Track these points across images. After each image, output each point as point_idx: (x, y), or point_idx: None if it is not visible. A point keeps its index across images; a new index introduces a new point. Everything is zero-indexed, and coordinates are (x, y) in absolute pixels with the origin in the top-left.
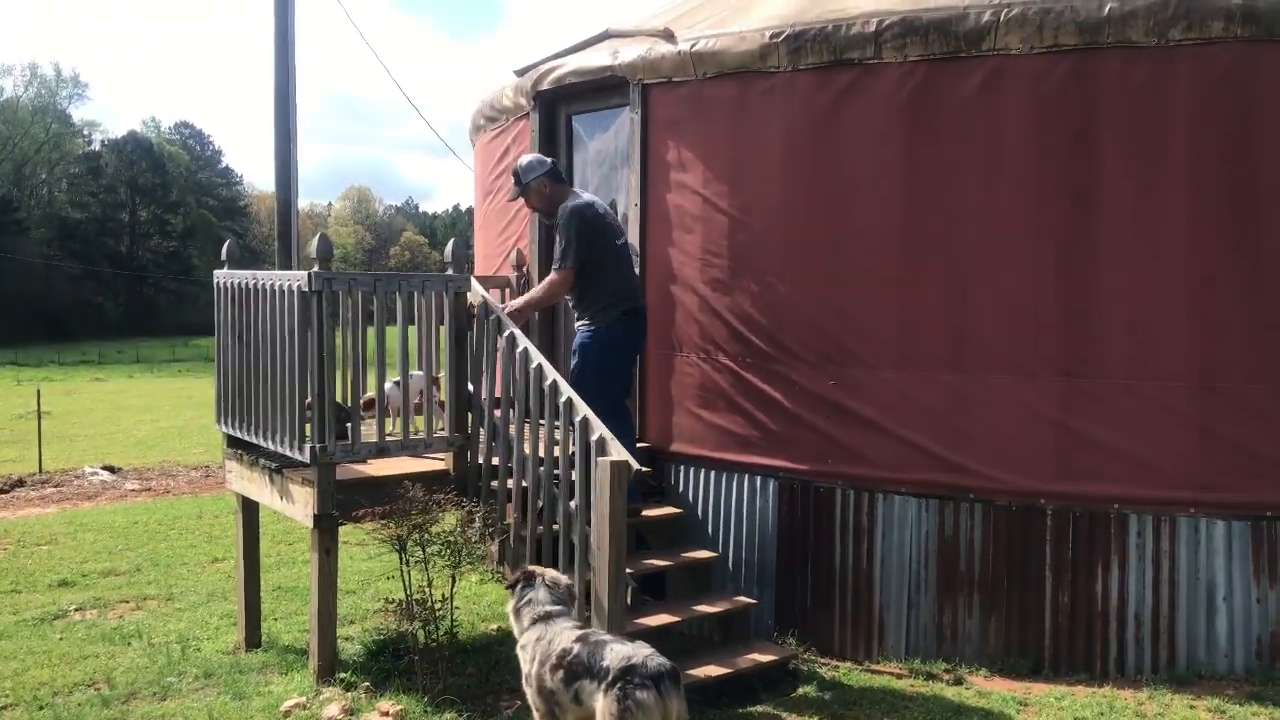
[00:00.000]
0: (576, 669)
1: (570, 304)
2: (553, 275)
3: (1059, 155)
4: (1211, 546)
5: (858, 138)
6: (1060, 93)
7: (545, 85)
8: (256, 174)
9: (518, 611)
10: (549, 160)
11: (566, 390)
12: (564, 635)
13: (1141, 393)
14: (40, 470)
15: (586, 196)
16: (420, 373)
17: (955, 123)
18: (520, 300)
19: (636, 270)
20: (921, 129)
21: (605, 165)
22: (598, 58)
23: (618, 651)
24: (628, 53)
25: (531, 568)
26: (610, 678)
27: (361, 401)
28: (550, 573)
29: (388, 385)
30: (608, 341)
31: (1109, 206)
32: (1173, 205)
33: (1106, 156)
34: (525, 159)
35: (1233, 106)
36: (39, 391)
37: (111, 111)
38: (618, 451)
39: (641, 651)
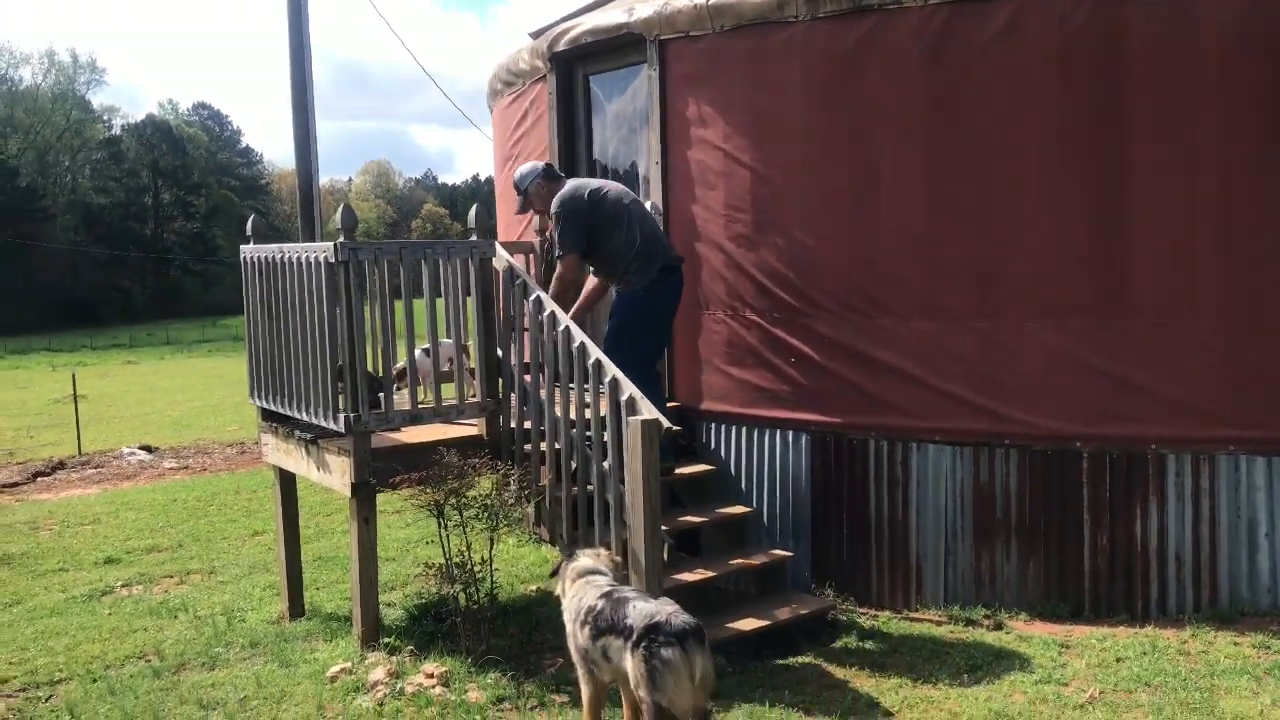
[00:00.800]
0: (601, 625)
1: (604, 278)
2: (557, 269)
3: (1085, 94)
4: (1252, 483)
5: (879, 85)
6: (1085, 27)
7: (561, 46)
8: (276, 152)
9: (561, 578)
10: (541, 163)
11: (595, 352)
12: (591, 593)
13: (1177, 331)
14: (80, 452)
15: (575, 182)
16: (449, 340)
17: (979, 65)
18: (553, 286)
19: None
20: (944, 73)
21: (624, 128)
22: (613, 16)
23: (641, 609)
24: (643, 9)
25: (575, 550)
26: (635, 636)
27: (394, 372)
28: (596, 550)
29: (417, 353)
30: (647, 306)
31: (1138, 141)
32: (1204, 138)
33: (1135, 92)
34: (520, 169)
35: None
36: (74, 376)
37: (128, 96)
38: (648, 410)
39: (665, 609)
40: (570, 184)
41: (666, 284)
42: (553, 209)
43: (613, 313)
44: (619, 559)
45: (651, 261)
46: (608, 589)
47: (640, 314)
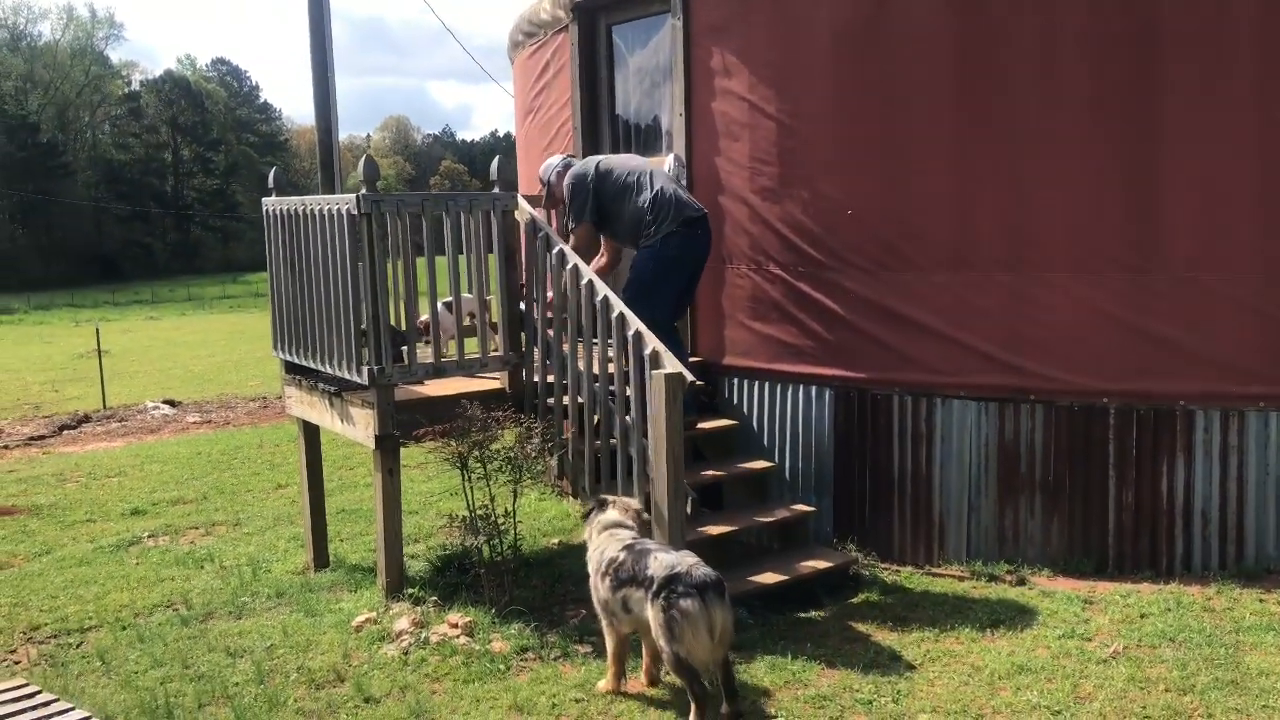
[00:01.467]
0: (622, 577)
1: (629, 245)
2: (569, 241)
3: (1118, 42)
4: None
5: (906, 33)
6: None
7: None
8: (294, 109)
9: (589, 526)
10: (560, 156)
11: (618, 305)
12: (613, 545)
13: (1207, 286)
14: (104, 406)
15: (586, 159)
16: (471, 295)
17: (1011, 12)
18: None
19: (683, 182)
20: (975, 21)
21: (646, 81)
22: None
23: (662, 560)
24: None
25: (606, 496)
26: (655, 587)
27: (419, 324)
28: (624, 500)
29: (439, 306)
30: (661, 256)
31: (1170, 91)
32: (1239, 90)
33: (1166, 41)
34: (545, 162)
35: None
36: (98, 331)
37: (147, 52)
38: (671, 364)
39: (686, 561)
40: (579, 163)
41: (684, 235)
42: (563, 186)
43: (632, 266)
44: (646, 515)
45: (665, 216)
46: (630, 541)
47: (656, 266)
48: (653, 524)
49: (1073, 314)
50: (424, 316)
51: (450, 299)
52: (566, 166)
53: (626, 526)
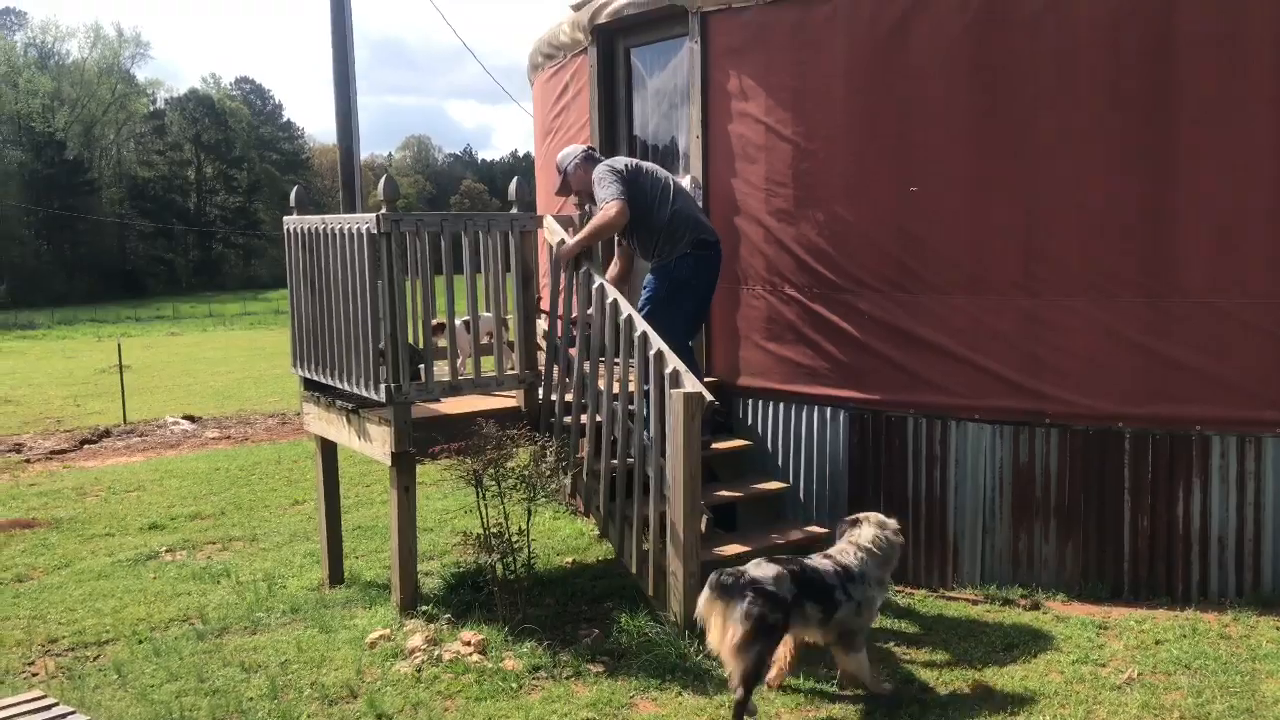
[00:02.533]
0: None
1: (639, 255)
2: (602, 211)
3: (1135, 67)
4: None
5: (923, 57)
6: (1133, 2)
7: (603, 19)
8: (317, 127)
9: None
10: (582, 146)
11: (641, 325)
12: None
13: (1223, 310)
14: (125, 421)
15: (615, 158)
16: (490, 314)
17: (1024, 38)
18: (575, 238)
19: (700, 205)
20: (990, 46)
21: (665, 103)
22: None
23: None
24: None
25: (858, 515)
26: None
27: (432, 324)
28: (875, 516)
29: (458, 323)
30: (674, 279)
31: (1188, 118)
32: (1255, 115)
33: (1183, 66)
34: (564, 150)
35: None
36: (119, 346)
37: (171, 71)
38: (691, 384)
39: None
40: (610, 159)
41: (698, 258)
42: (594, 174)
43: (645, 286)
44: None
45: (682, 235)
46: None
47: (670, 286)
48: (668, 542)
49: (1089, 338)
50: (439, 318)
51: (468, 318)
52: (589, 157)
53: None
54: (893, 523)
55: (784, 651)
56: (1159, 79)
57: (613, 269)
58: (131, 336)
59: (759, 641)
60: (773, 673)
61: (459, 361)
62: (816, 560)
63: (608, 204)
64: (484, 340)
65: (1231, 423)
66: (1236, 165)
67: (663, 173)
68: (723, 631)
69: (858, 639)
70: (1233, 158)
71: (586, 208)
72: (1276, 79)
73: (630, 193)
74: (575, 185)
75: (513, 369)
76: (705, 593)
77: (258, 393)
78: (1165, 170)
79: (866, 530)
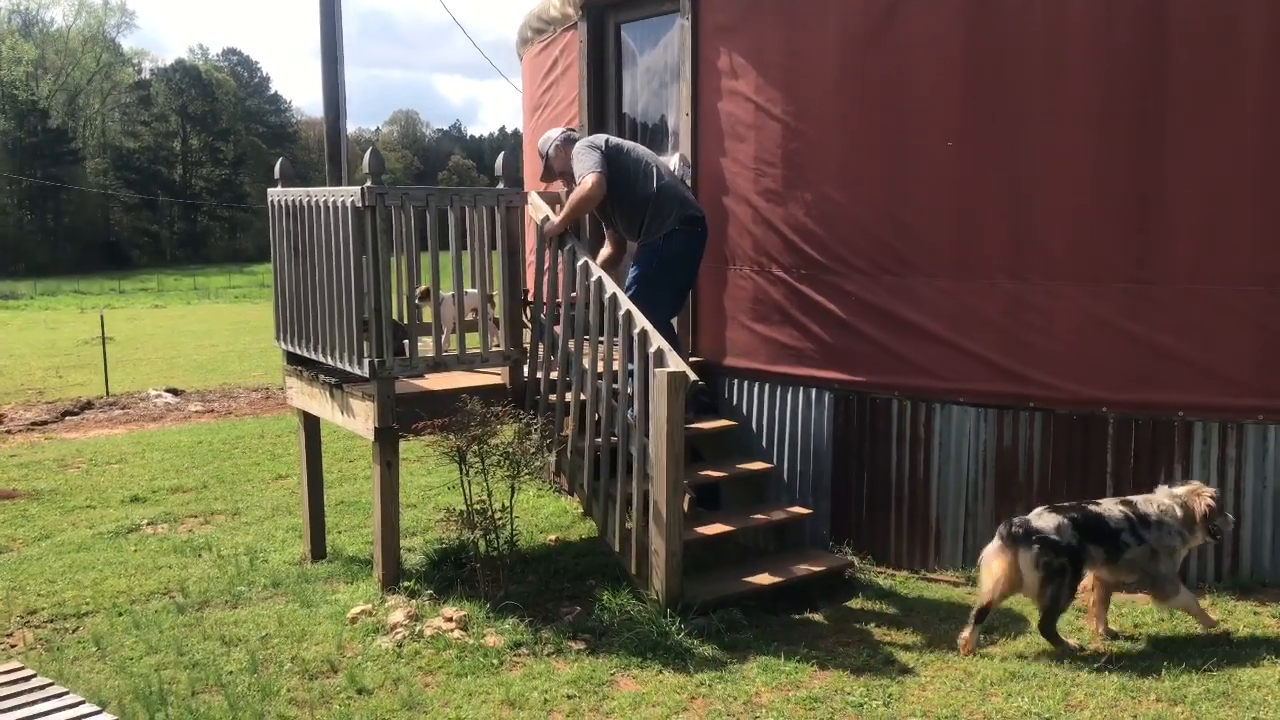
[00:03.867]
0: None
1: (626, 234)
2: (580, 186)
3: (1125, 52)
4: (1279, 453)
5: (916, 38)
6: None
7: None
8: (303, 100)
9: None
10: (561, 129)
11: (626, 303)
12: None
13: (1208, 297)
14: (107, 393)
15: (595, 135)
16: (475, 290)
17: (1018, 20)
18: (558, 216)
19: (688, 183)
20: (983, 27)
21: (655, 81)
22: None
23: None
24: None
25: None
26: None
27: (417, 291)
28: (1195, 483)
29: (444, 296)
30: (664, 257)
31: (1175, 102)
32: (1245, 102)
33: (1175, 52)
34: (544, 135)
35: None
36: (102, 318)
37: (157, 41)
38: (675, 363)
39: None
40: (588, 137)
41: (688, 234)
42: (573, 151)
43: (633, 264)
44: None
45: (670, 212)
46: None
47: (660, 263)
48: (650, 521)
49: (1074, 323)
50: (423, 286)
51: (454, 292)
52: (567, 139)
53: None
54: (1209, 490)
55: (1093, 597)
56: (1149, 66)
57: (604, 251)
58: (115, 308)
59: (1051, 583)
60: (1095, 624)
61: (443, 336)
62: (1105, 506)
63: (584, 177)
64: (469, 316)
65: (1214, 409)
66: (1224, 152)
67: (645, 151)
68: (1006, 576)
69: (1166, 586)
70: (1220, 144)
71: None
72: (1266, 67)
73: (611, 169)
74: (557, 167)
75: (498, 345)
76: (995, 542)
77: (241, 366)
78: (1152, 157)
79: (1179, 488)
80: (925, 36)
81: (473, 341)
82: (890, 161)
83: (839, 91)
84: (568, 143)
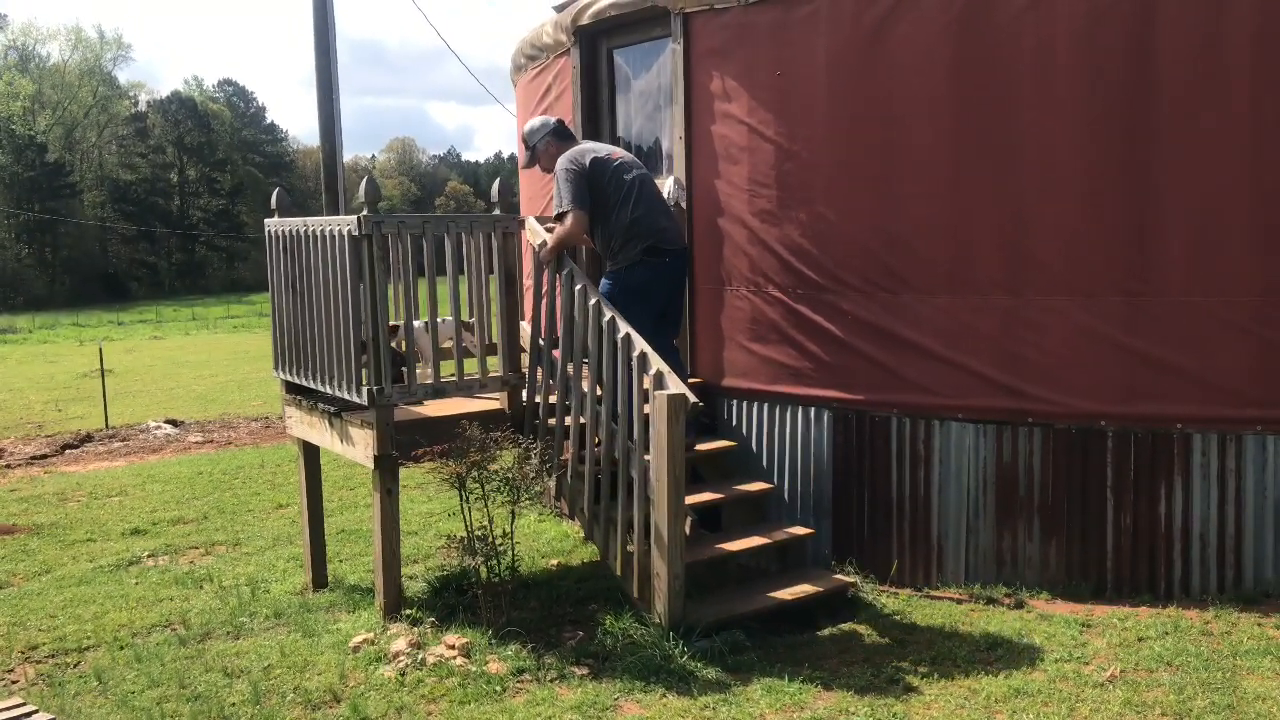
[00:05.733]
0: None
1: (599, 250)
2: (562, 224)
3: (1114, 67)
4: (1279, 464)
5: (905, 57)
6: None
7: (585, 19)
8: (300, 129)
9: None
10: (553, 119)
11: (624, 326)
12: None
13: (1204, 309)
14: (107, 425)
15: (584, 145)
16: (450, 319)
17: (1007, 37)
18: (549, 245)
19: (669, 208)
20: (971, 47)
21: (649, 104)
22: None
23: None
24: None
25: None
26: None
27: (388, 327)
28: None
29: (417, 325)
30: (626, 286)
31: (1167, 116)
32: (1236, 112)
33: (1163, 66)
34: (531, 121)
35: None
36: (101, 350)
37: (153, 73)
38: (675, 385)
39: None
40: (578, 146)
41: (650, 267)
42: (557, 167)
43: (603, 279)
44: None
45: (638, 240)
46: None
47: (620, 292)
48: (651, 544)
49: (1070, 337)
50: (395, 322)
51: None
52: (558, 132)
53: None
54: None
55: None
56: (1138, 78)
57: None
58: (114, 340)
59: None
60: None
61: (419, 366)
62: None
63: (566, 213)
64: (446, 344)
65: (1212, 421)
66: (1216, 164)
67: (633, 171)
68: None
69: None
70: (1212, 157)
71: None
72: (1255, 79)
73: (591, 190)
74: (544, 163)
75: (495, 371)
76: None
77: (241, 396)
78: (1145, 170)
79: None
80: (912, 53)
81: (471, 368)
82: (883, 180)
83: (831, 112)
84: (560, 137)
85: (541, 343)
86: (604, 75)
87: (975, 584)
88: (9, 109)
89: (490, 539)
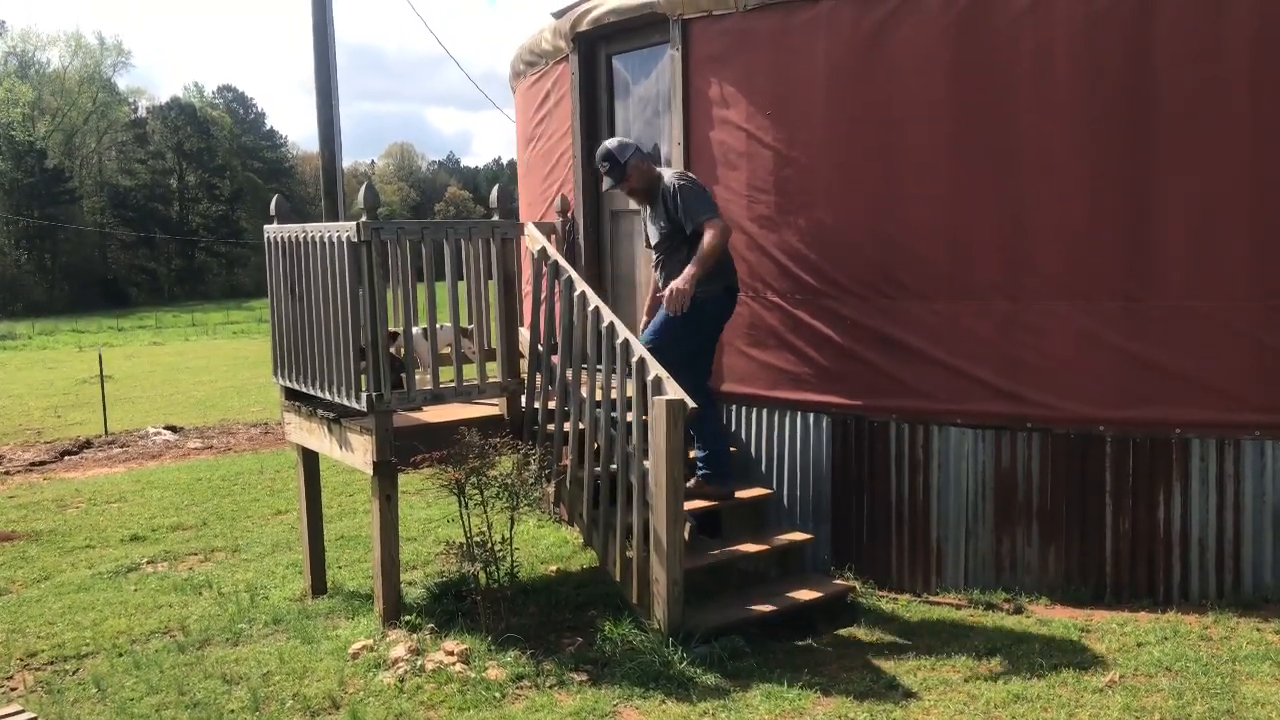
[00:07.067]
0: None
1: (665, 264)
2: (710, 229)
3: (1113, 71)
4: (1277, 469)
5: (904, 63)
6: (1113, 6)
7: (584, 26)
8: (299, 135)
9: None
10: (633, 140)
11: (623, 332)
12: None
13: (1203, 313)
14: (106, 432)
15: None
16: (449, 325)
17: (1005, 42)
18: (692, 268)
19: None
20: (970, 51)
21: (648, 110)
22: None
23: None
24: None
25: None
26: None
27: (386, 333)
28: None
29: (415, 331)
30: (696, 317)
31: (1166, 120)
32: (1234, 118)
33: (1162, 70)
34: (610, 143)
35: None
36: (100, 356)
37: (153, 79)
38: (674, 390)
39: None
40: (666, 168)
41: (722, 305)
42: (684, 181)
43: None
44: None
45: (720, 277)
46: None
47: (685, 323)
48: (650, 550)
49: (1070, 342)
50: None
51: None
52: (639, 151)
53: None
54: None
55: None
56: (1137, 82)
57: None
58: (113, 346)
59: None
60: None
61: (418, 372)
62: None
63: (713, 220)
64: (445, 350)
65: (1211, 426)
66: (1215, 168)
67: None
68: None
69: None
70: (1211, 161)
71: (573, 220)
72: (1254, 83)
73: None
74: (638, 182)
75: (495, 376)
76: None
77: (240, 402)
78: (1145, 175)
79: None
80: (911, 59)
81: (470, 373)
82: (882, 185)
83: (830, 117)
84: (643, 155)
85: (540, 348)
86: (603, 81)
87: (974, 589)
88: (8, 115)
89: (489, 545)
